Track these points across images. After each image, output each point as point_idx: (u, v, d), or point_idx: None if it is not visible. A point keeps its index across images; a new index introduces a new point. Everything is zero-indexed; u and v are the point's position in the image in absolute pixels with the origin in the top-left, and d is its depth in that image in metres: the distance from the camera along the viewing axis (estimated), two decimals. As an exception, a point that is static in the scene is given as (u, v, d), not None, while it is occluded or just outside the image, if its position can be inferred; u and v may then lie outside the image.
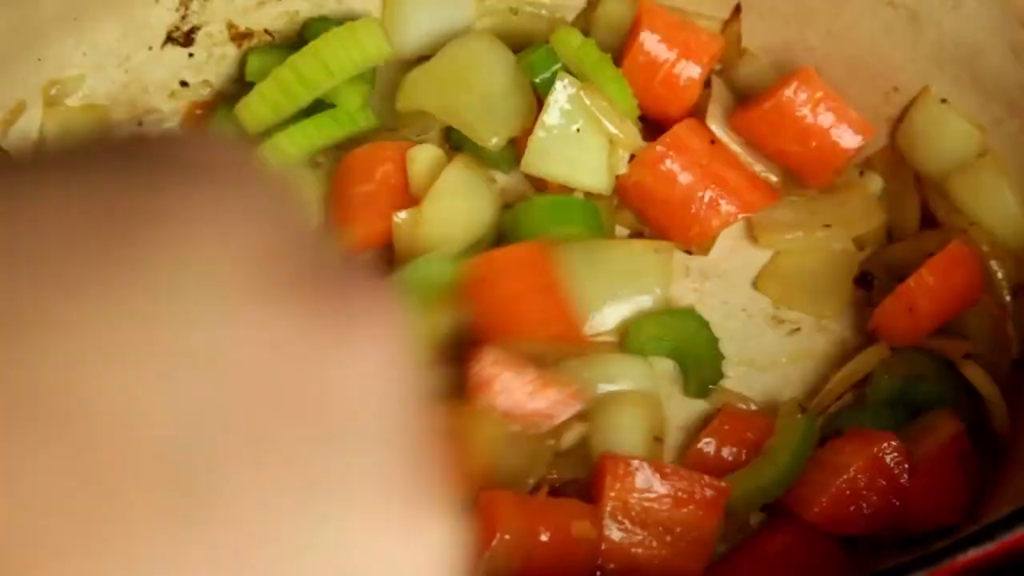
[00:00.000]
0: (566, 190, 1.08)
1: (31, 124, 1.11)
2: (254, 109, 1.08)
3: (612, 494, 0.93)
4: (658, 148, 1.07)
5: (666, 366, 1.06)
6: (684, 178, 1.08)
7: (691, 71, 1.09)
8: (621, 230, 1.12)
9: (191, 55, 1.18)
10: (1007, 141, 1.08)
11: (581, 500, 0.95)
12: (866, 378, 1.06)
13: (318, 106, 1.10)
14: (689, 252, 1.11)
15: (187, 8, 1.15)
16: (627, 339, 1.04)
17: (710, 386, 1.05)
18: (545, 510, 0.93)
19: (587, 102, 1.05)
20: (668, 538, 0.93)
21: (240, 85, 1.16)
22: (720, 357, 1.06)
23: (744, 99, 1.13)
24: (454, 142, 1.11)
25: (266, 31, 1.19)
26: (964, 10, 1.07)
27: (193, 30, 1.16)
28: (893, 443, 0.95)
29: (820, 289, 1.10)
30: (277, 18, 1.19)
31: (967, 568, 0.75)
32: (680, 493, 0.94)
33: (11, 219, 0.36)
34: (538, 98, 1.07)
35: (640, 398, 1.01)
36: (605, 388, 1.00)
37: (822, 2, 1.14)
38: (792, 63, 1.15)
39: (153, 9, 1.13)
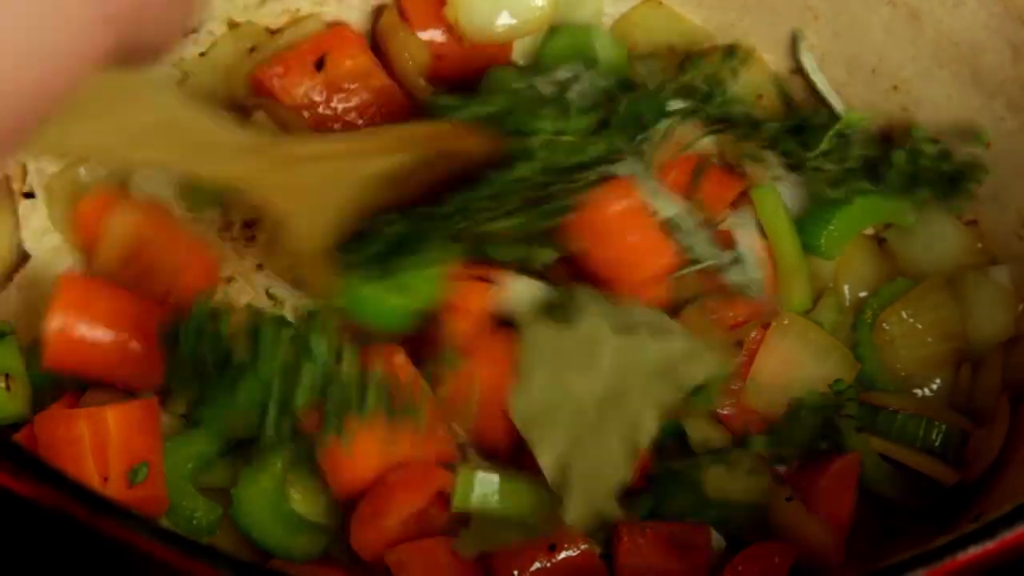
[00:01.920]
0: None
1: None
2: None
3: None
4: None
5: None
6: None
7: None
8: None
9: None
10: (1007, 141, 1.09)
11: None
12: None
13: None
14: None
15: (188, 6, 1.15)
16: None
17: None
18: None
19: None
20: None
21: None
22: None
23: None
24: None
25: (267, 29, 1.19)
26: (964, 9, 1.07)
27: (194, 28, 1.16)
28: None
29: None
30: (279, 16, 1.19)
31: (967, 566, 0.75)
32: None
33: None
34: None
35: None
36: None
37: (822, 1, 1.14)
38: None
39: (154, 7, 1.13)
